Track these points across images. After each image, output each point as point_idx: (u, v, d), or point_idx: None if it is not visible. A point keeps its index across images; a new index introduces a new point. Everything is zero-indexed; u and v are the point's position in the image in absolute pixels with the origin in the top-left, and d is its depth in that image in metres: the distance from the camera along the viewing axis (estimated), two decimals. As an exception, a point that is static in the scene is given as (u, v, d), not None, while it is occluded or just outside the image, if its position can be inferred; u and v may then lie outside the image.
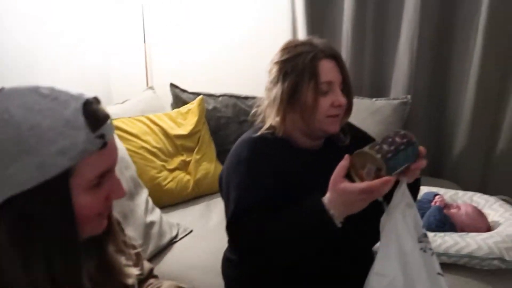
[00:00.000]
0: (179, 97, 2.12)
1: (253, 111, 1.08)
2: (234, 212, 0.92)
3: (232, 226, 0.93)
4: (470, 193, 1.58)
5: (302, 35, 2.06)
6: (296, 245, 0.87)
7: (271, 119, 1.00)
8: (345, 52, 2.04)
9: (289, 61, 0.96)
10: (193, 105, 1.98)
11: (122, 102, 2.06)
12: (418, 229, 0.84)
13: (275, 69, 0.99)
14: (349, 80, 1.01)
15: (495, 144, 1.92)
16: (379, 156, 0.78)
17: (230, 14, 2.28)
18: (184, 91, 2.14)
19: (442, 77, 1.98)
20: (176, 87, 2.13)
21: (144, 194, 1.57)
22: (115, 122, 1.78)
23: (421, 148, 0.85)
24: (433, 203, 1.43)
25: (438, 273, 0.84)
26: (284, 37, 2.10)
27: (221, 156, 1.98)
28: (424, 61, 1.93)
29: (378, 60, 2.05)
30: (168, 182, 1.78)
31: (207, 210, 1.76)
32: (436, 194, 1.49)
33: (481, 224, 1.37)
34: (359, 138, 1.06)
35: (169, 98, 2.20)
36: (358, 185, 0.78)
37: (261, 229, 0.88)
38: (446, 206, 1.43)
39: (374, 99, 1.96)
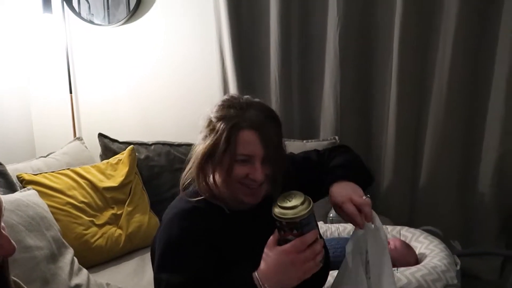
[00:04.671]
0: (109, 148, 2.04)
1: (188, 158, 1.01)
2: None
3: None
4: (398, 228, 1.65)
5: (231, 80, 2.11)
6: None
7: (195, 173, 0.96)
8: (274, 97, 2.11)
9: (215, 121, 0.91)
10: (123, 155, 1.92)
11: (46, 156, 1.95)
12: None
13: (204, 124, 0.95)
14: (277, 152, 0.92)
15: (418, 177, 2.05)
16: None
17: (160, 62, 2.29)
18: (114, 141, 2.07)
19: (365, 117, 2.11)
20: (105, 137, 2.06)
21: (69, 254, 1.45)
22: (36, 178, 1.67)
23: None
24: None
25: None
26: (214, 83, 2.16)
27: (155, 207, 1.92)
28: (347, 102, 2.06)
29: (306, 104, 2.15)
30: (97, 239, 1.67)
31: (140, 266, 1.67)
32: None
33: (410, 258, 1.42)
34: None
35: (99, 149, 2.12)
36: (288, 244, 0.80)
37: None
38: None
39: (304, 141, 2.03)
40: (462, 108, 1.94)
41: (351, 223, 0.89)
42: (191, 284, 0.85)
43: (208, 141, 0.91)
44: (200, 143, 0.94)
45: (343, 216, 0.91)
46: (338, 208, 0.91)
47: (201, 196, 0.95)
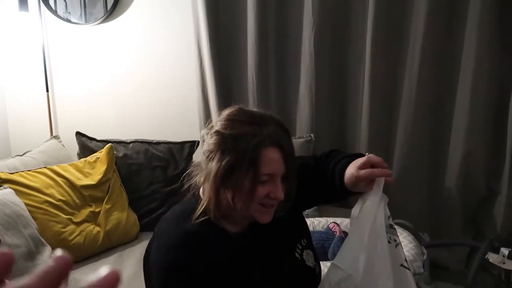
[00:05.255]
0: (87, 146, 2.05)
1: (189, 170, 0.95)
2: None
3: None
4: (370, 221, 1.72)
5: (209, 80, 2.15)
6: None
7: (206, 193, 0.88)
8: (251, 97, 2.16)
9: (230, 139, 0.83)
10: (101, 153, 1.93)
11: (22, 154, 1.94)
12: (386, 221, 0.84)
13: (213, 140, 0.85)
14: (294, 168, 0.88)
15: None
16: None
17: (138, 61, 2.31)
18: (92, 139, 2.08)
19: (339, 116, 2.18)
20: (83, 135, 2.07)
21: (46, 252, 1.47)
22: (13, 177, 1.66)
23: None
24: (336, 234, 1.53)
25: (401, 265, 0.84)
26: (192, 82, 2.19)
27: (133, 204, 1.94)
28: (323, 102, 2.13)
29: (283, 103, 2.21)
30: (75, 236, 1.68)
31: (119, 262, 1.69)
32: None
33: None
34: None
35: (76, 148, 2.12)
36: None
37: None
38: (346, 233, 1.55)
39: (281, 139, 2.08)
40: (430, 110, 2.03)
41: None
42: None
43: (225, 161, 0.83)
44: (210, 161, 0.85)
45: (365, 188, 0.87)
46: (360, 185, 0.87)
47: (205, 215, 0.87)
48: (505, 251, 1.42)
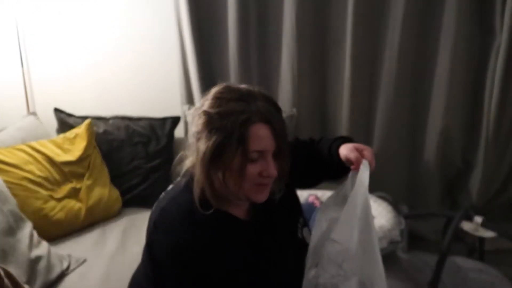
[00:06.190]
0: (65, 122, 2.01)
1: (179, 155, 0.94)
2: None
3: None
4: (350, 193, 1.75)
5: (190, 54, 2.11)
6: None
7: (197, 175, 0.86)
8: (233, 72, 2.14)
9: (217, 117, 0.81)
10: (81, 129, 1.89)
11: (-2, 131, 1.90)
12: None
13: (201, 120, 0.84)
14: (286, 145, 0.86)
15: (369, 145, 2.16)
16: None
17: (117, 35, 2.25)
18: (70, 115, 2.04)
19: (321, 91, 2.19)
20: (61, 111, 2.03)
21: (27, 228, 1.45)
22: (-10, 153, 1.63)
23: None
24: (316, 206, 1.56)
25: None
26: (172, 56, 2.15)
27: (115, 180, 1.93)
28: (304, 77, 2.12)
29: (265, 78, 2.19)
30: (57, 213, 1.66)
31: (102, 237, 1.69)
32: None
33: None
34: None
35: (54, 125, 2.08)
36: None
37: None
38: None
39: (263, 114, 2.08)
40: (410, 85, 2.05)
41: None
42: None
43: (213, 141, 0.81)
44: (199, 141, 0.84)
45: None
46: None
47: (206, 200, 0.86)
48: (478, 219, 1.47)
